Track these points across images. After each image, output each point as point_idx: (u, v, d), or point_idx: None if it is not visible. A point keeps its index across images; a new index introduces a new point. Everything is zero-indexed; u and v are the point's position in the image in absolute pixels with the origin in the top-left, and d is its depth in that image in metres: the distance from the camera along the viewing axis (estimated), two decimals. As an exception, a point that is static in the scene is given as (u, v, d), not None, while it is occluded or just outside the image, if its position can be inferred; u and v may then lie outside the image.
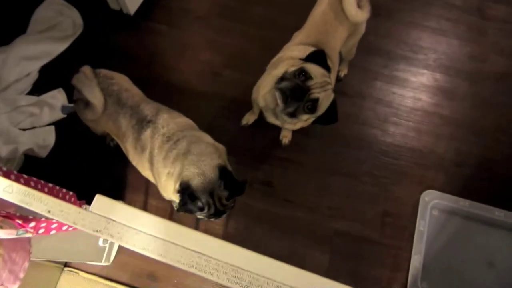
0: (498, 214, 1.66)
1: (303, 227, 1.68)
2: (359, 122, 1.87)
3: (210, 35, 2.03)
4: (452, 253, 1.64)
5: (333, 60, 1.45)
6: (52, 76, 1.86)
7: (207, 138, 1.27)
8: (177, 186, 1.13)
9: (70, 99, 1.82)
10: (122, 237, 0.44)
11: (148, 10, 2.04)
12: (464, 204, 1.69)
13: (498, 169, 1.81)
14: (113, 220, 0.45)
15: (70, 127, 1.76)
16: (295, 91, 1.19)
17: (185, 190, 1.11)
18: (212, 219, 1.27)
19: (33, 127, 1.73)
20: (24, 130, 1.71)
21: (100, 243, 1.53)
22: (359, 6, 1.42)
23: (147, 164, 1.27)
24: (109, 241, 1.55)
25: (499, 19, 2.12)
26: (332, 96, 1.25)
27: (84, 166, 1.74)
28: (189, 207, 1.12)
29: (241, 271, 0.43)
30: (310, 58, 1.25)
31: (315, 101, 1.20)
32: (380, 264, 1.64)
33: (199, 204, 1.11)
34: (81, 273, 1.55)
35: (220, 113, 1.86)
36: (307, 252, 1.65)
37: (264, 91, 1.39)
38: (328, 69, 1.24)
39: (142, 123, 1.25)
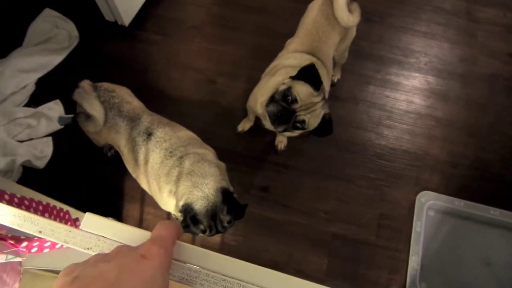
0: (493, 213, 1.68)
1: (301, 232, 1.69)
2: (353, 125, 1.90)
3: (204, 44, 2.05)
4: (450, 253, 1.65)
5: (328, 66, 1.48)
6: (49, 88, 1.87)
7: (209, 155, 1.28)
8: (180, 206, 1.14)
9: (67, 110, 1.84)
10: (113, 253, 0.45)
11: (143, 21, 2.07)
12: (459, 204, 1.70)
13: (492, 169, 1.83)
14: (104, 237, 0.46)
15: (67, 138, 1.78)
16: (282, 115, 1.24)
17: (188, 213, 1.11)
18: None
19: (31, 139, 1.74)
20: (21, 141, 1.72)
21: (99, 252, 1.53)
22: (349, 10, 1.45)
23: (147, 177, 1.28)
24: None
25: (488, 22, 2.16)
26: (321, 113, 1.27)
27: (82, 176, 1.75)
28: (191, 229, 1.12)
29: (231, 280, 0.44)
30: (301, 73, 1.26)
31: (302, 122, 1.25)
32: (378, 266, 1.65)
33: (201, 227, 1.12)
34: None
35: (215, 121, 1.88)
36: (305, 256, 1.65)
37: (263, 99, 1.41)
38: (318, 84, 1.25)
39: (143, 135, 1.26)
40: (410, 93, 1.99)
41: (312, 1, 1.55)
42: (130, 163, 1.31)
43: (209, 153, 1.30)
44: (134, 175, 1.36)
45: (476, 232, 1.69)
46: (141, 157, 1.26)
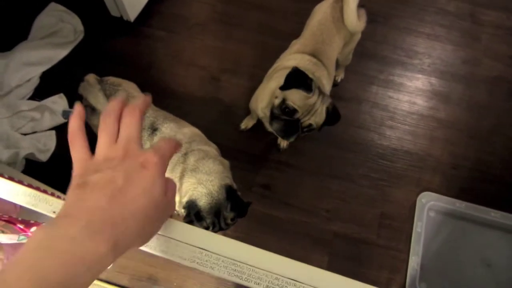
0: (494, 215, 1.68)
1: (302, 230, 1.69)
2: (356, 125, 1.90)
3: (208, 41, 2.06)
4: (450, 254, 1.65)
5: (329, 68, 1.48)
6: (53, 82, 1.88)
7: (213, 152, 1.28)
8: (184, 202, 1.14)
9: (71, 104, 1.84)
10: (124, 236, 0.46)
11: (148, 17, 2.07)
12: (460, 205, 1.71)
13: (493, 171, 1.83)
14: None
15: (70, 132, 1.78)
16: (288, 128, 1.27)
17: (192, 209, 1.12)
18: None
19: (34, 132, 1.75)
20: (25, 134, 1.73)
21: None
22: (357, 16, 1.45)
23: None
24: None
25: (491, 25, 2.17)
26: (324, 109, 1.27)
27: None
28: (194, 226, 1.13)
29: (241, 264, 0.45)
30: (288, 81, 1.26)
31: (309, 125, 1.27)
32: (379, 266, 1.65)
33: (205, 224, 1.13)
34: (81, 276, 1.56)
35: (218, 118, 1.88)
36: (306, 254, 1.66)
37: (263, 105, 1.42)
38: (309, 85, 1.25)
39: (148, 131, 1.26)
40: (413, 94, 1.99)
41: (319, 3, 1.56)
42: None
43: (213, 150, 1.30)
44: None
45: (477, 234, 1.69)
46: None
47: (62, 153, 1.75)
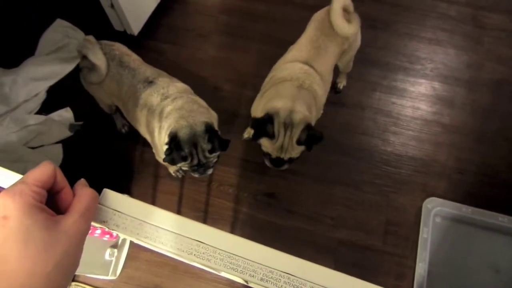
0: (501, 219, 1.66)
1: (307, 238, 1.69)
2: (359, 132, 1.90)
3: (211, 52, 2.09)
4: (457, 260, 1.64)
5: (324, 75, 1.47)
6: (60, 96, 1.92)
7: (202, 102, 1.38)
8: (166, 138, 1.23)
9: (77, 118, 1.88)
10: (126, 227, 0.48)
11: (152, 30, 2.11)
12: (466, 210, 1.69)
13: (500, 175, 1.82)
14: (119, 212, 0.49)
15: (77, 145, 1.82)
16: (275, 163, 1.41)
17: (172, 140, 1.20)
18: (196, 174, 1.37)
19: (42, 145, 1.78)
20: (33, 148, 1.76)
21: (107, 256, 1.55)
22: (348, 20, 1.45)
23: (144, 121, 1.37)
24: (115, 255, 1.58)
25: (494, 28, 2.16)
26: (294, 142, 1.29)
27: (91, 182, 1.78)
28: (173, 155, 1.20)
29: (236, 257, 0.47)
30: (255, 133, 1.34)
31: (290, 158, 1.37)
32: (385, 273, 1.64)
33: (183, 153, 1.20)
34: (88, 287, 1.58)
35: (221, 128, 1.89)
36: (311, 262, 1.65)
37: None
38: (269, 132, 1.29)
39: (144, 83, 1.35)
40: (416, 100, 1.99)
41: (315, 12, 1.57)
42: (130, 110, 1.41)
43: (202, 100, 1.38)
44: (132, 123, 1.48)
45: (484, 239, 1.67)
46: (140, 102, 1.35)
47: (69, 166, 1.78)
